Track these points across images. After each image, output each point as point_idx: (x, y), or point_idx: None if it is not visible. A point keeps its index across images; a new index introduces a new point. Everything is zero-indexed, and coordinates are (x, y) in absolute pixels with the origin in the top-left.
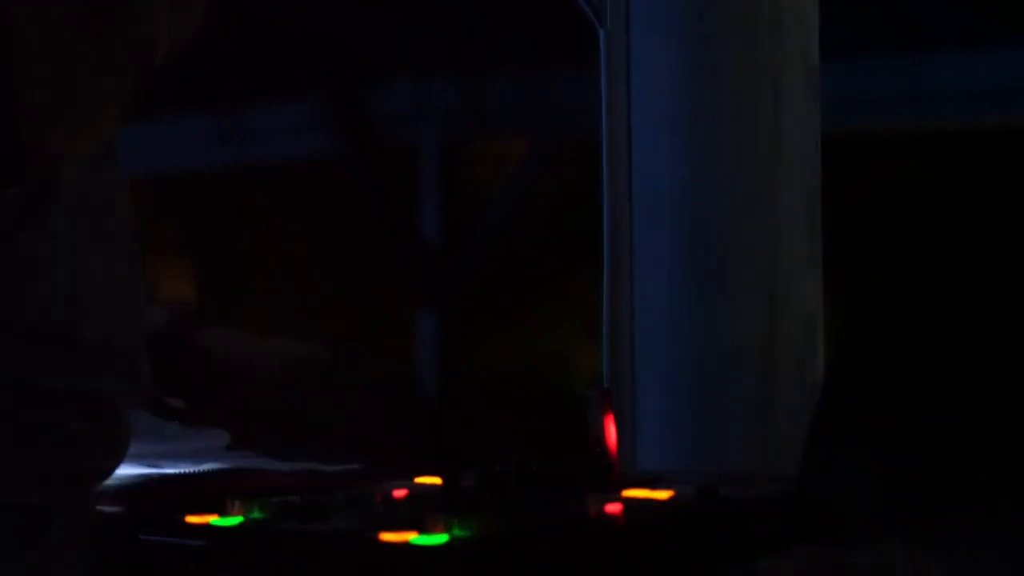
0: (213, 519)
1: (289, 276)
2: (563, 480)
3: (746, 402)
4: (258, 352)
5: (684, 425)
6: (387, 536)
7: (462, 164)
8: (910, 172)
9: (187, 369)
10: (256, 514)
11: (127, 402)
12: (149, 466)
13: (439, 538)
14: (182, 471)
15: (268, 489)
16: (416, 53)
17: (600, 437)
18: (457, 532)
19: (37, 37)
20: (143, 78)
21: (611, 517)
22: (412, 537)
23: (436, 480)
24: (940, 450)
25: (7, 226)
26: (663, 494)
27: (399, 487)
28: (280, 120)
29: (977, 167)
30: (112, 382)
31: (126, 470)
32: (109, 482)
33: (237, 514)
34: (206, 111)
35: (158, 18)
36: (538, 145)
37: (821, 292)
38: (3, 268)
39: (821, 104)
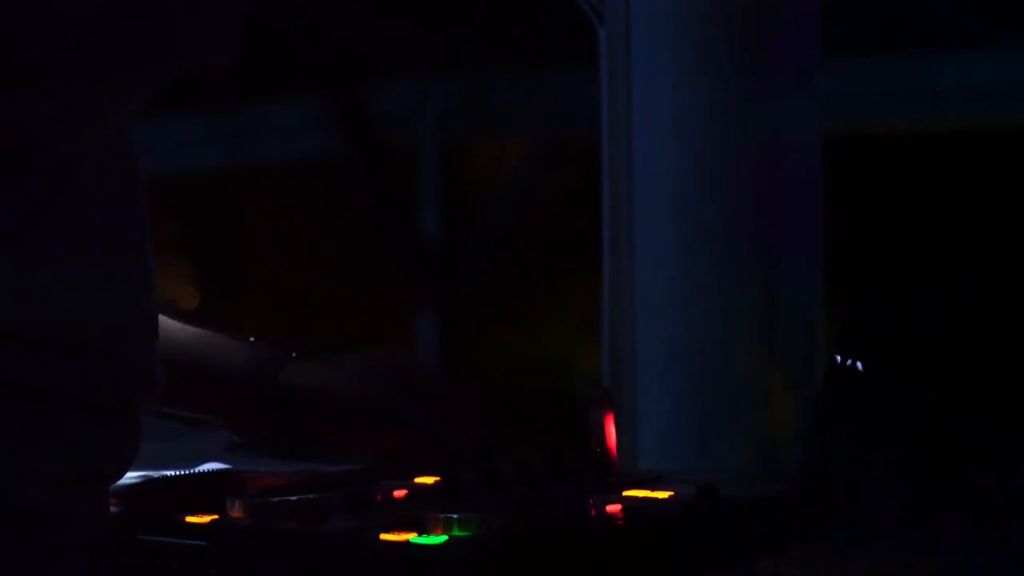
0: (213, 519)
1: (289, 276)
2: (563, 480)
3: (746, 402)
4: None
5: (684, 425)
6: (387, 536)
7: (462, 164)
8: (910, 172)
9: (278, 412)
10: (257, 514)
11: (138, 404)
12: (149, 466)
13: (439, 538)
14: (182, 471)
15: (268, 489)
16: (416, 53)
17: (600, 437)
18: (457, 532)
19: (48, 30)
20: (161, 82)
21: (611, 517)
22: (412, 537)
23: (436, 480)
24: (940, 450)
25: (17, 226)
26: (663, 494)
27: (399, 487)
28: (280, 120)
29: (977, 167)
30: (122, 384)
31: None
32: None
33: (238, 514)
34: (206, 111)
35: (185, 25)
36: (538, 145)
37: (821, 292)
38: (12, 268)
39: (821, 104)
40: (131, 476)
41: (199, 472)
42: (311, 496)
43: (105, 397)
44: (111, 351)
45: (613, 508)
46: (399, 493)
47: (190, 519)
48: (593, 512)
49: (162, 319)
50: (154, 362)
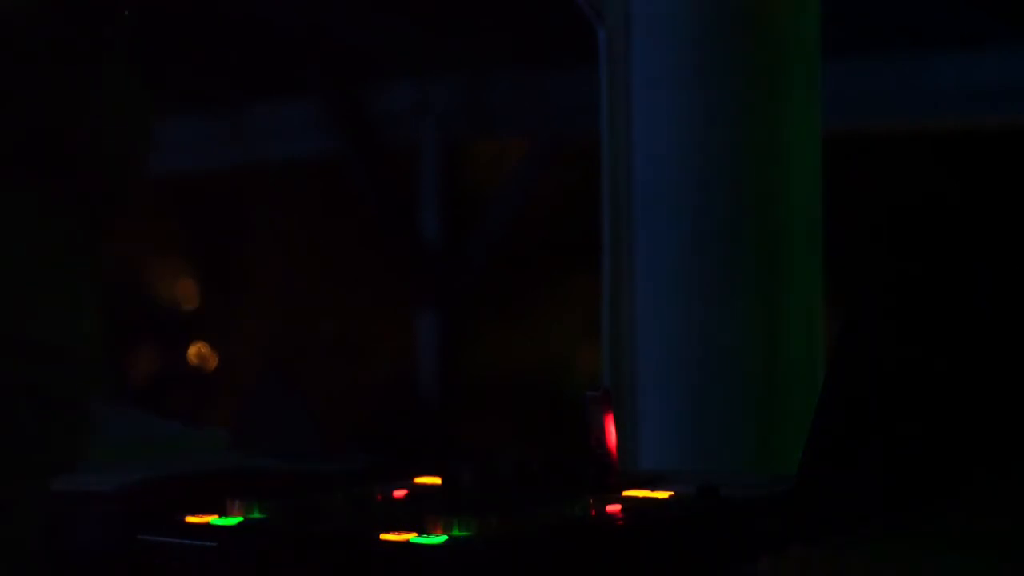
0: (213, 519)
1: (290, 276)
2: (563, 480)
3: (746, 402)
4: None
5: (684, 425)
6: (387, 536)
7: (462, 164)
8: (910, 172)
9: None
10: (256, 514)
11: (83, 397)
12: (149, 466)
13: (439, 538)
14: (182, 471)
15: (268, 489)
16: (416, 53)
17: (600, 437)
18: (457, 532)
19: None
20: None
21: (611, 517)
22: (412, 537)
23: (436, 480)
24: (939, 450)
25: None
26: (663, 494)
27: (399, 487)
28: (280, 120)
29: (977, 167)
30: (64, 379)
31: (126, 470)
32: (110, 482)
33: (237, 514)
34: (206, 111)
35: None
36: (538, 145)
37: (821, 292)
38: None
39: (821, 104)
40: (131, 476)
41: (199, 472)
42: (311, 496)
43: (53, 392)
44: (51, 349)
45: (613, 508)
46: (399, 493)
47: (190, 519)
48: (593, 512)
49: None
50: (100, 356)
